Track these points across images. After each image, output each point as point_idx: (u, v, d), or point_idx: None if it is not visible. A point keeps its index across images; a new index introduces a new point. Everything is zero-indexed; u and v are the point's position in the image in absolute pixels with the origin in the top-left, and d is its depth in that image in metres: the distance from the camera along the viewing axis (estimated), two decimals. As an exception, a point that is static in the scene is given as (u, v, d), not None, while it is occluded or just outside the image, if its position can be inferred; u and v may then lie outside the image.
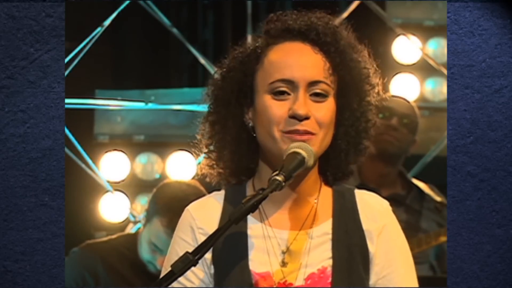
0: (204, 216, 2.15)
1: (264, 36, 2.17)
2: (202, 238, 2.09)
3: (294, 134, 2.07)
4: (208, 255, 2.10)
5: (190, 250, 1.96)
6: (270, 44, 2.14)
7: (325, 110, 2.09)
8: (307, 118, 2.06)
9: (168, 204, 3.52)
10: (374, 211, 2.16)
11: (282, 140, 2.07)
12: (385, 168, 4.05)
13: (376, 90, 2.17)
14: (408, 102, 4.20)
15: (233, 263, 2.09)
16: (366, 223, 2.15)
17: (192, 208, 2.18)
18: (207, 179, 2.22)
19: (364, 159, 2.21)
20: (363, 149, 2.17)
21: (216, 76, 2.18)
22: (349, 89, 2.13)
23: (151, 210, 3.58)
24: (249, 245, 2.11)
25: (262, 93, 2.11)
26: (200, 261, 2.01)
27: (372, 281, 2.13)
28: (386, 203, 2.20)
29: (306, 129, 2.06)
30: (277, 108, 2.08)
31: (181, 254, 1.97)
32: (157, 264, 3.53)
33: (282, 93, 2.08)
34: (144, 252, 3.57)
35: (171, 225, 3.47)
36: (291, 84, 2.08)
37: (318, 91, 2.09)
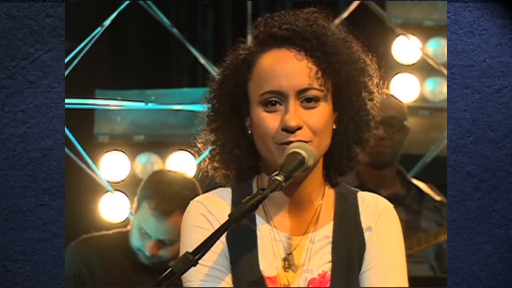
0: (215, 205, 2.13)
1: (254, 41, 2.16)
2: (216, 224, 2.07)
3: (288, 145, 2.05)
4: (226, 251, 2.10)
5: (206, 236, 1.94)
6: (258, 52, 2.13)
7: (318, 116, 2.07)
8: (299, 128, 2.06)
9: (158, 188, 3.52)
10: (374, 210, 2.15)
11: (277, 152, 2.06)
12: (382, 171, 4.05)
13: (376, 80, 2.15)
14: (393, 98, 4.10)
15: (244, 264, 2.10)
16: (366, 222, 2.14)
17: (200, 199, 2.16)
18: (217, 180, 2.21)
19: (361, 167, 2.20)
20: (365, 141, 2.16)
21: (213, 84, 2.17)
22: (342, 88, 2.12)
23: (141, 196, 3.59)
24: (259, 247, 2.11)
25: (255, 105, 2.10)
26: (222, 252, 2.04)
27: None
28: (388, 203, 2.18)
29: (299, 139, 2.05)
30: (269, 121, 2.07)
31: (200, 240, 1.94)
32: (146, 251, 3.53)
33: (273, 104, 2.07)
34: (134, 240, 3.57)
35: (159, 208, 3.47)
36: (280, 94, 2.07)
37: (309, 97, 2.07)
